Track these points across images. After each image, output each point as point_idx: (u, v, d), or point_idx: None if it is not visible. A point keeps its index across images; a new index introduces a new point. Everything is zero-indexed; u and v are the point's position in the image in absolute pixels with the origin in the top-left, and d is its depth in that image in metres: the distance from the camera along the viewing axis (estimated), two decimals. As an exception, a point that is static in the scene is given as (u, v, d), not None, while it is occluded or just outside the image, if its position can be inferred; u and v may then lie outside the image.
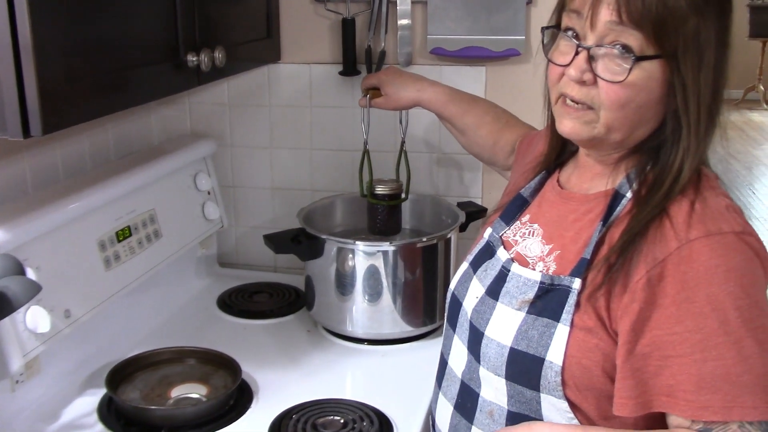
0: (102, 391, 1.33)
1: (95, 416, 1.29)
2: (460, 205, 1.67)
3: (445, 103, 1.45)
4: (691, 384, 0.83)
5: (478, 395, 1.02)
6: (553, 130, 1.04)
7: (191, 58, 1.27)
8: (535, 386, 0.93)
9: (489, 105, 1.49)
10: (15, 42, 0.89)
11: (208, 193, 1.78)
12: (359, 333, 1.56)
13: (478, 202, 1.77)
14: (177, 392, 1.34)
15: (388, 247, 1.50)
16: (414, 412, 1.32)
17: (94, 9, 1.04)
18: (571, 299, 0.92)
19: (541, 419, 0.95)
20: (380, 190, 1.55)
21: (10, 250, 1.18)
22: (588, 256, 0.92)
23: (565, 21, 0.93)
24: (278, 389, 1.38)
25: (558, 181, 1.07)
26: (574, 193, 1.02)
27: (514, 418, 0.97)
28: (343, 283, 1.53)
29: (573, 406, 0.92)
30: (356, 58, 1.74)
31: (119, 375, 1.35)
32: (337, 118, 1.81)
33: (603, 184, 0.98)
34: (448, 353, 1.11)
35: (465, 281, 1.09)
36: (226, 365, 1.40)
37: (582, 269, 0.92)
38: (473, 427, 1.03)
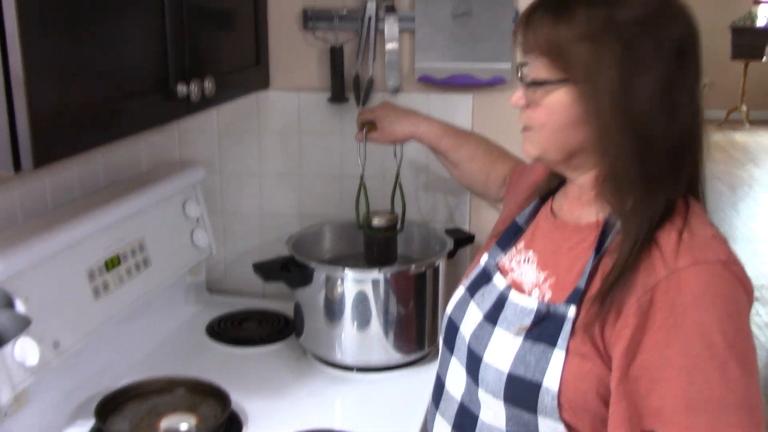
0: (91, 422, 1.32)
1: (84, 448, 1.29)
2: (448, 231, 1.68)
3: (439, 137, 1.48)
4: (678, 405, 0.86)
5: (477, 417, 1.04)
6: None
7: (181, 89, 1.27)
8: (533, 409, 0.96)
9: (481, 139, 1.53)
10: (6, 76, 0.90)
11: (197, 220, 1.78)
12: (348, 361, 1.56)
13: (466, 228, 1.79)
14: (166, 423, 1.33)
15: (377, 274, 1.51)
16: (404, 440, 1.32)
17: (85, 41, 1.04)
18: (567, 326, 0.94)
19: None
20: (377, 222, 1.56)
21: (-1, 281, 1.18)
22: (582, 286, 0.95)
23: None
24: (268, 418, 1.38)
25: (551, 209, 1.10)
26: (567, 222, 1.05)
27: None
28: (332, 311, 1.54)
29: (570, 427, 0.95)
30: (344, 86, 1.76)
31: (108, 406, 1.34)
32: (325, 145, 1.82)
33: (593, 213, 1.01)
34: (445, 375, 1.12)
35: (462, 305, 1.12)
36: (216, 395, 1.39)
37: (577, 298, 0.95)
38: (472, 447, 1.04)
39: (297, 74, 1.80)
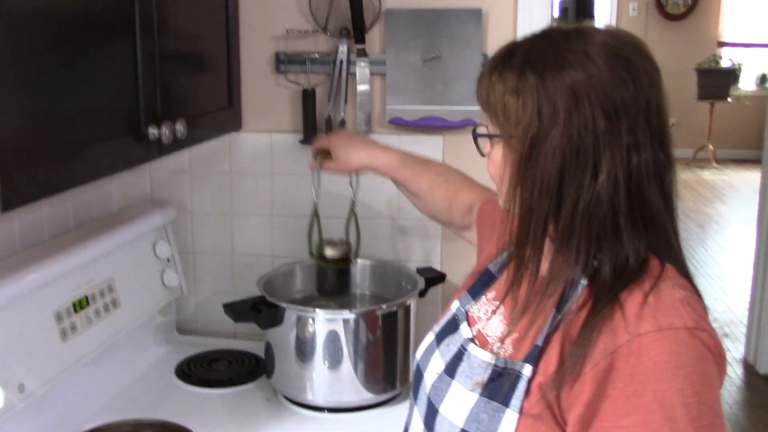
0: (56, 467, 1.30)
1: (48, 494, 1.26)
2: (420, 271, 1.69)
3: (397, 168, 1.45)
4: None
5: None
6: None
7: (152, 131, 1.28)
8: None
9: (442, 167, 1.50)
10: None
11: (168, 260, 1.78)
12: (319, 401, 1.55)
13: (438, 267, 1.80)
14: (133, 467, 1.31)
15: (348, 314, 1.51)
16: (375, 482, 1.31)
17: (56, 84, 1.05)
18: (521, 385, 0.91)
19: None
20: (330, 253, 1.57)
21: (-36, 324, 1.16)
22: (540, 343, 0.92)
23: None
24: (237, 461, 1.37)
25: None
26: (540, 275, 0.99)
27: None
28: (303, 351, 1.53)
29: None
30: (316, 127, 1.78)
31: (74, 450, 1.32)
32: (297, 186, 1.84)
33: None
34: (409, 423, 1.11)
35: (429, 353, 1.09)
36: (185, 437, 1.38)
37: (534, 356, 0.92)
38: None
39: (269, 116, 1.82)
